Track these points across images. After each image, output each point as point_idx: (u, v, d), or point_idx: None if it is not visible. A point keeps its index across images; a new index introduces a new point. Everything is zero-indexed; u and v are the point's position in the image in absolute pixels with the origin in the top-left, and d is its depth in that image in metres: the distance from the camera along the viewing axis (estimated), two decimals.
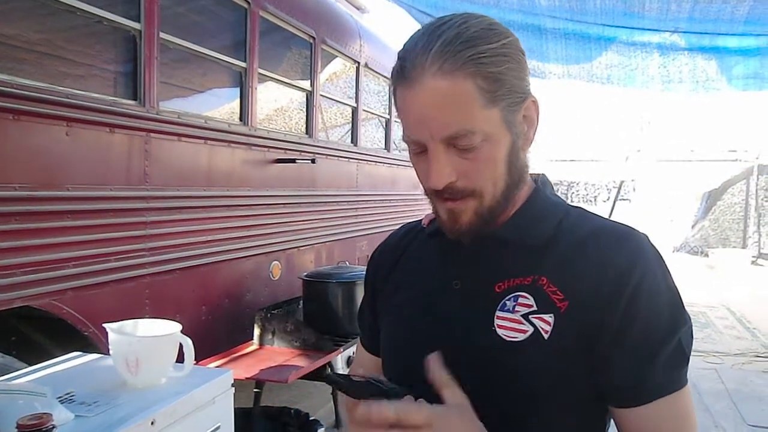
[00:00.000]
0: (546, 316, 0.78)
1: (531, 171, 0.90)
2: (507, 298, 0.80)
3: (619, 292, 0.75)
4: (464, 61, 0.73)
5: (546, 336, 0.77)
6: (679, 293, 0.80)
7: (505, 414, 0.76)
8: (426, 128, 0.76)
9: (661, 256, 0.80)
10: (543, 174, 0.92)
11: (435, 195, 0.81)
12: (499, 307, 0.80)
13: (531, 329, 0.78)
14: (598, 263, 0.78)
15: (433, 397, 0.74)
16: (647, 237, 0.81)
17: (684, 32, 4.47)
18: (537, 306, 0.78)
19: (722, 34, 4.41)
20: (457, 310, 0.84)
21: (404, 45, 0.79)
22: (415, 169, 0.82)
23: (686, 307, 0.81)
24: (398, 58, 0.78)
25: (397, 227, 1.07)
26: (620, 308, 0.75)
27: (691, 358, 0.78)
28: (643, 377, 0.75)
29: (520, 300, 0.79)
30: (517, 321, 0.79)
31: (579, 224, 0.83)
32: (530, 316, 0.78)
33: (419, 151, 0.79)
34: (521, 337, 0.78)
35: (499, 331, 0.79)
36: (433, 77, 0.73)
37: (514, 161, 0.80)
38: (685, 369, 0.78)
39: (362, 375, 0.77)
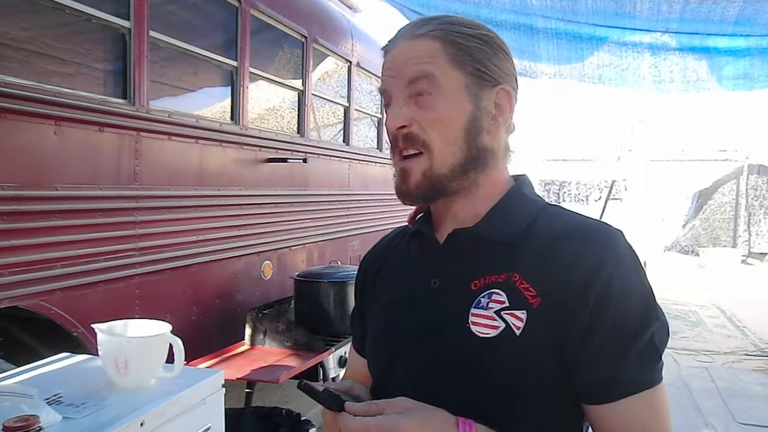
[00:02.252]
0: (518, 312, 0.78)
1: (517, 172, 0.93)
2: (482, 295, 0.81)
3: (591, 287, 0.76)
4: (434, 28, 0.83)
5: (518, 332, 0.77)
6: (651, 290, 0.80)
7: (482, 410, 0.77)
8: (395, 75, 0.84)
9: (635, 252, 0.81)
10: (524, 174, 0.93)
11: (393, 145, 0.86)
12: (474, 305, 0.81)
13: (503, 325, 0.78)
14: (570, 259, 0.78)
15: (413, 396, 0.76)
16: (622, 233, 0.82)
17: (675, 32, 4.49)
18: (509, 302, 0.79)
19: (712, 34, 4.44)
20: (435, 309, 0.85)
21: None
22: (385, 126, 0.87)
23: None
24: None
25: (388, 228, 1.08)
26: (591, 302, 0.75)
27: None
28: (615, 373, 0.76)
29: (494, 297, 0.80)
30: (489, 317, 0.80)
31: (554, 221, 0.84)
32: (502, 313, 0.79)
33: (387, 104, 0.86)
34: (493, 333, 0.79)
35: (473, 328, 0.80)
36: (406, 40, 0.85)
37: (474, 135, 0.83)
38: (659, 366, 0.78)
39: (335, 388, 0.80)
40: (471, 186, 0.85)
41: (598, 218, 0.86)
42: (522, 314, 0.78)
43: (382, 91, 0.87)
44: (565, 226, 0.83)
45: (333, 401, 0.75)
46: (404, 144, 0.83)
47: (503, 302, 0.79)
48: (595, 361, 0.76)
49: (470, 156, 0.83)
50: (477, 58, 0.83)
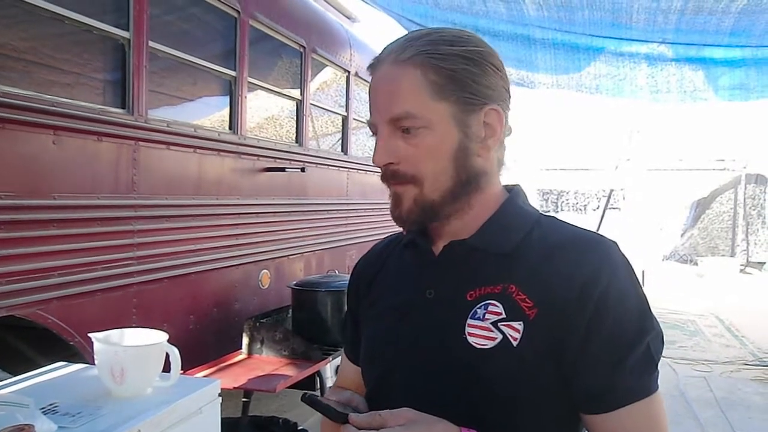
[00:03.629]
0: (515, 324, 0.79)
1: (516, 182, 0.93)
2: (478, 306, 0.81)
3: (587, 298, 0.76)
4: (416, 53, 0.80)
5: (515, 343, 0.78)
6: (646, 300, 0.80)
7: (480, 421, 0.77)
8: (377, 110, 0.82)
9: (630, 264, 0.81)
10: (517, 184, 0.93)
11: (383, 177, 0.85)
12: (470, 316, 0.81)
13: (500, 336, 0.79)
14: (566, 270, 0.79)
15: (408, 407, 0.76)
16: (616, 245, 0.82)
17: (671, 43, 4.51)
18: (506, 314, 0.79)
19: (709, 45, 4.46)
20: (430, 319, 0.85)
21: None
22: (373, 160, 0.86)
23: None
24: None
25: (383, 238, 1.08)
26: (588, 314, 0.76)
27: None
28: (612, 382, 0.76)
29: (490, 308, 0.81)
30: (486, 329, 0.80)
31: (549, 233, 0.85)
32: (499, 324, 0.79)
33: (375, 133, 0.84)
34: (490, 344, 0.79)
35: (470, 339, 0.80)
36: (389, 65, 0.82)
37: (463, 161, 0.82)
38: (655, 375, 0.79)
39: (337, 400, 0.80)
40: (464, 207, 0.85)
41: (594, 229, 0.87)
42: (519, 325, 0.78)
43: (369, 123, 0.85)
44: (561, 237, 0.84)
45: (339, 415, 0.76)
46: (392, 180, 0.83)
47: (500, 313, 0.80)
48: (592, 371, 0.77)
49: (461, 181, 0.83)
50: (462, 84, 0.80)
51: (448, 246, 0.87)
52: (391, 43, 0.84)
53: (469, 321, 0.81)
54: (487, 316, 0.80)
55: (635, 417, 0.76)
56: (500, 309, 0.80)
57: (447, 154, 0.81)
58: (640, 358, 0.77)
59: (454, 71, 0.80)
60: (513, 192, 0.91)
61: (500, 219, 0.87)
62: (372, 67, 0.84)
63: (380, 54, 0.84)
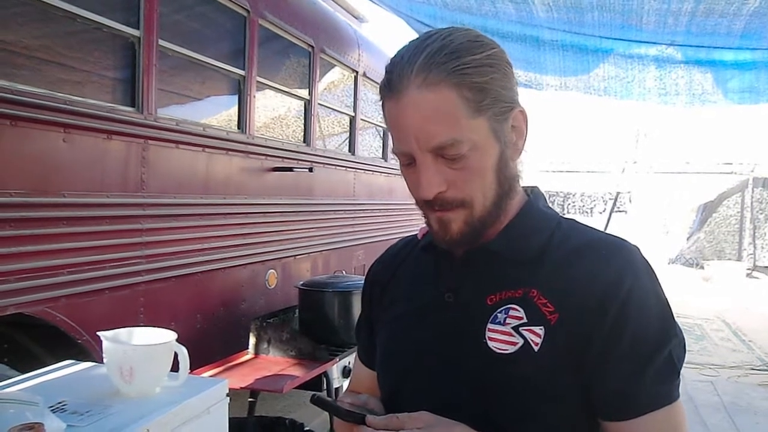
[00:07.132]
0: (536, 329, 0.78)
1: (525, 183, 0.91)
2: (498, 310, 0.80)
3: (609, 303, 0.75)
4: (448, 73, 0.74)
5: (536, 348, 0.77)
6: (669, 306, 0.79)
7: (497, 425, 0.76)
8: (413, 140, 0.76)
9: (652, 268, 0.80)
10: (536, 186, 0.92)
11: (426, 205, 0.81)
12: (490, 320, 0.80)
13: (521, 341, 0.78)
14: (588, 275, 0.77)
15: (420, 410, 0.76)
16: (638, 249, 0.81)
17: (681, 45, 4.49)
18: (527, 318, 0.78)
19: (718, 47, 4.43)
20: (449, 323, 0.84)
21: (391, 59, 0.79)
22: (406, 181, 0.82)
23: (681, 320, 0.81)
24: (385, 71, 0.79)
25: (394, 237, 1.07)
26: (609, 319, 0.75)
27: (687, 370, 0.78)
28: (633, 390, 0.75)
29: (511, 312, 0.80)
30: (507, 333, 0.79)
31: (570, 236, 0.84)
32: (520, 329, 0.78)
33: (408, 163, 0.80)
34: (511, 349, 0.78)
35: (490, 344, 0.79)
36: (418, 89, 0.74)
37: (503, 170, 0.81)
38: (677, 383, 0.77)
39: (351, 402, 0.79)
40: (501, 215, 0.84)
41: (611, 233, 0.85)
42: (540, 330, 0.77)
43: (401, 153, 0.79)
44: (582, 241, 0.82)
45: (349, 413, 0.75)
46: (440, 207, 0.79)
47: (521, 318, 0.79)
48: (613, 378, 0.75)
49: (502, 191, 0.82)
50: (493, 94, 0.77)
51: (469, 250, 0.85)
52: (402, 60, 0.77)
53: (490, 325, 0.80)
54: (508, 320, 0.79)
55: (656, 425, 0.75)
56: (521, 313, 0.79)
57: (491, 169, 0.79)
58: (662, 365, 0.75)
59: (486, 83, 0.76)
60: (533, 194, 0.90)
61: (521, 223, 0.85)
62: (391, 90, 0.77)
63: (395, 74, 0.77)
